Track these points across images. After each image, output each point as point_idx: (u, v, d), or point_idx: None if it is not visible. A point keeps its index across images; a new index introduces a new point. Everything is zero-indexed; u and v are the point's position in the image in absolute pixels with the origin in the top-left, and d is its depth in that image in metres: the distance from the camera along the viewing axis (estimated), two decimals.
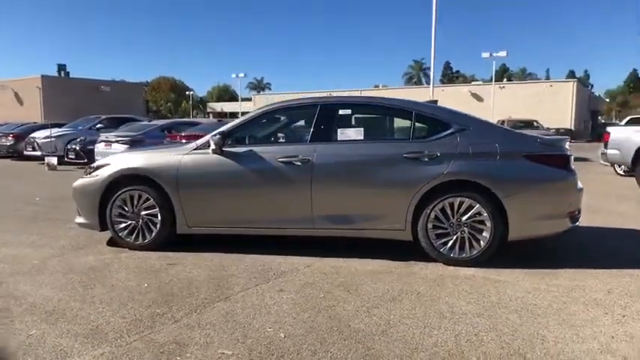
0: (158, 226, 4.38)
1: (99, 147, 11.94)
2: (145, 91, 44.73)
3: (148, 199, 4.38)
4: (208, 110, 67.92)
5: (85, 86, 26.65)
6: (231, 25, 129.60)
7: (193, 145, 4.47)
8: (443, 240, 3.93)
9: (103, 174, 4.48)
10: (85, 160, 13.35)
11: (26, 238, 4.95)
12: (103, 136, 12.08)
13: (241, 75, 45.62)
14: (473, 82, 49.99)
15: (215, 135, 4.23)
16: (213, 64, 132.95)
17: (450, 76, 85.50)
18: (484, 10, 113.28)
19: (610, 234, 5.09)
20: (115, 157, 4.61)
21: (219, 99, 76.20)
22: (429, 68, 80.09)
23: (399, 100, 4.36)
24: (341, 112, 4.30)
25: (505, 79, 46.58)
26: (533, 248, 4.30)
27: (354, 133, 4.20)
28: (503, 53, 30.03)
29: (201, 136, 10.25)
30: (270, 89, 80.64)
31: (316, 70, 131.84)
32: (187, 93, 66.54)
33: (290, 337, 2.63)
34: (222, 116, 58.77)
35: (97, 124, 15.72)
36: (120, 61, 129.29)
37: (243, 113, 51.44)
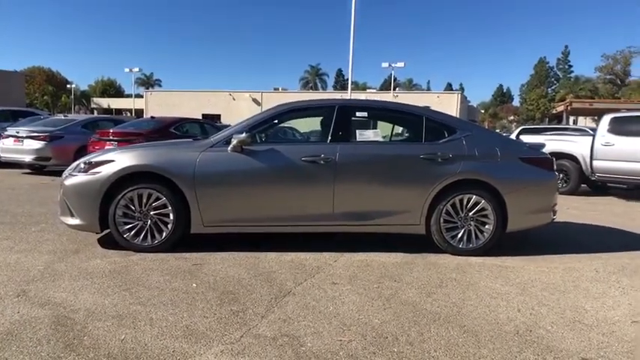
0: (170, 226, 4.21)
1: (5, 143, 10.59)
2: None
3: (158, 198, 4.18)
4: (93, 106, 62.35)
5: None
6: (117, 14, 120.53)
7: (208, 142, 4.37)
8: (453, 233, 4.39)
9: (106, 171, 4.16)
10: None
11: None
12: (11, 130, 10.68)
13: (135, 69, 42.81)
14: (368, 90, 52.97)
15: (241, 133, 4.19)
16: (95, 57, 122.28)
17: (343, 83, 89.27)
18: (372, 24, 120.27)
19: (553, 226, 5.98)
20: (119, 154, 4.28)
21: (104, 94, 70.47)
22: (324, 74, 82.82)
23: (410, 106, 4.74)
24: (358, 114, 4.55)
25: (398, 89, 50.29)
26: (512, 240, 4.95)
27: (373, 135, 4.48)
28: (401, 64, 32.45)
29: (140, 134, 9.68)
30: (160, 86, 76.72)
31: (211, 69, 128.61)
32: (68, 86, 60.33)
33: (385, 322, 2.83)
34: (109, 113, 54.47)
35: None
36: None
37: (136, 110, 48.40)
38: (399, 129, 5.03)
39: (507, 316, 2.99)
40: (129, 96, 66.89)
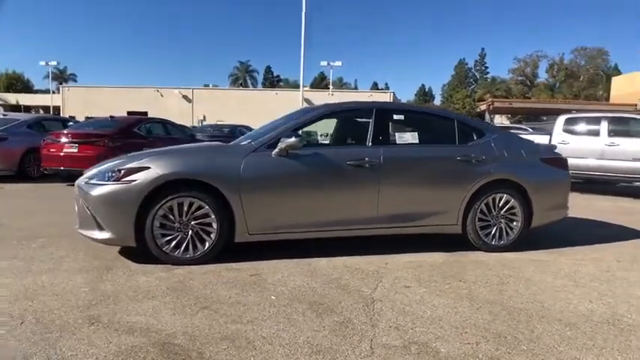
0: (213, 235, 3.98)
1: None
2: None
3: (200, 207, 3.94)
4: None
5: None
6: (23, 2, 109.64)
7: (249, 146, 4.19)
8: (486, 231, 4.59)
9: (142, 179, 3.83)
10: None
11: (7, 265, 3.86)
12: None
13: (53, 63, 39.34)
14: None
15: (289, 137, 4.06)
16: None
17: (272, 80, 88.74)
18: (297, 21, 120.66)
19: None
20: (154, 161, 3.95)
21: (10, 89, 64.06)
22: (254, 70, 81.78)
23: (440, 109, 4.87)
24: (395, 116, 4.59)
25: (331, 87, 51.04)
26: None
27: (411, 137, 4.55)
28: (338, 63, 32.99)
29: (103, 136, 8.99)
30: (75, 81, 71.39)
31: (135, 65, 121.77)
32: None
33: (490, 322, 2.91)
34: (17, 109, 49.69)
35: None
36: None
37: (54, 108, 44.46)
38: (432, 132, 5.11)
39: (586, 307, 3.20)
40: (39, 92, 61.50)
